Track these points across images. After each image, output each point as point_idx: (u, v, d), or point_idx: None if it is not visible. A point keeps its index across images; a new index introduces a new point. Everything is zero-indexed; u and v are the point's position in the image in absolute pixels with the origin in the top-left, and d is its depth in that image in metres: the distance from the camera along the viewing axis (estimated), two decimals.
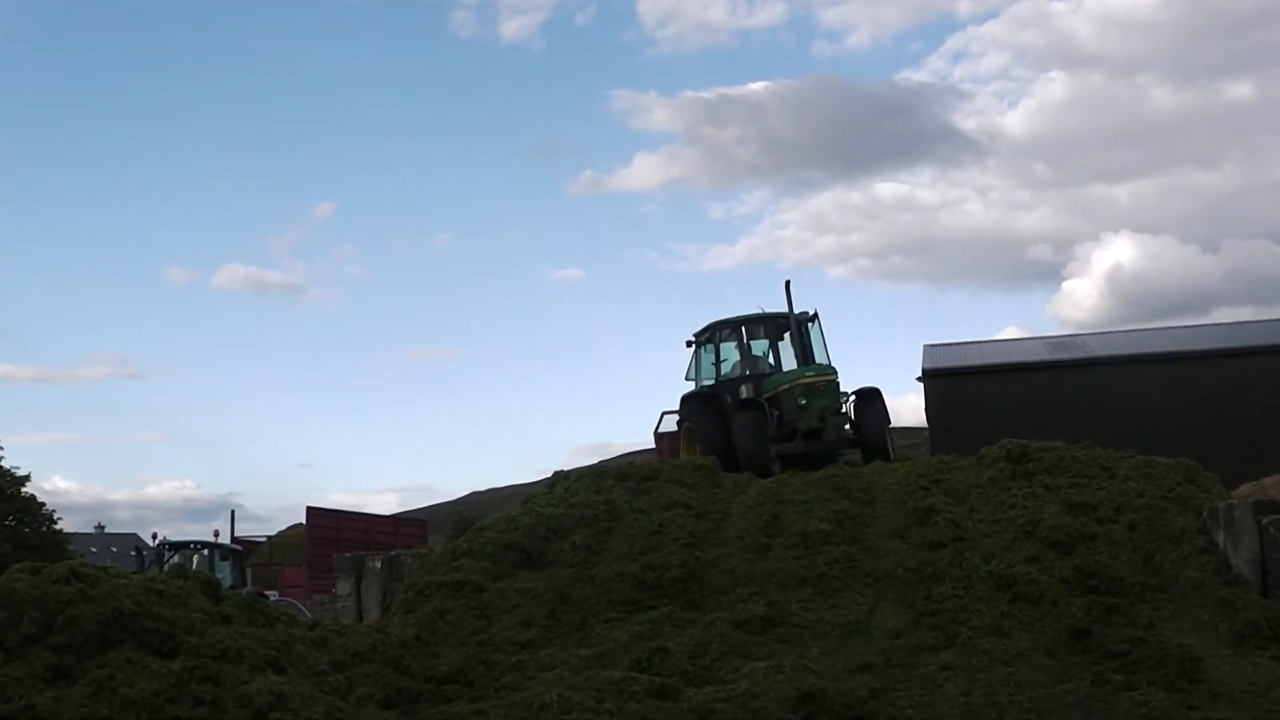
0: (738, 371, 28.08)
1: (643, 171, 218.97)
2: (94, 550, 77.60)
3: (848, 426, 26.48)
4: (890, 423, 27.51)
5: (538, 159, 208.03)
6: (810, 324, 27.45)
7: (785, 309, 27.17)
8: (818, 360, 27.03)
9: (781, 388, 26.44)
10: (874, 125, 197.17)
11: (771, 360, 28.30)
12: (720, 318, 28.34)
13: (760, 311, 28.08)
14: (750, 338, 28.31)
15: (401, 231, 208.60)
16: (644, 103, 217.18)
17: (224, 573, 31.93)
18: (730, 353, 28.32)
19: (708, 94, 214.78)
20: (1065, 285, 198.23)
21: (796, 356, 27.35)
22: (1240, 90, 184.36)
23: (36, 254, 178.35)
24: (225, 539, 41.29)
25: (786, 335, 27.74)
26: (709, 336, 28.22)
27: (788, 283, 26.78)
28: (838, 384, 26.58)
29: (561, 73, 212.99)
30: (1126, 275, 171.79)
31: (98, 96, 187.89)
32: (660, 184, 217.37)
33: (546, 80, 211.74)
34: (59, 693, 13.00)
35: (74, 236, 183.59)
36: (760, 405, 26.45)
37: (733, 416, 26.67)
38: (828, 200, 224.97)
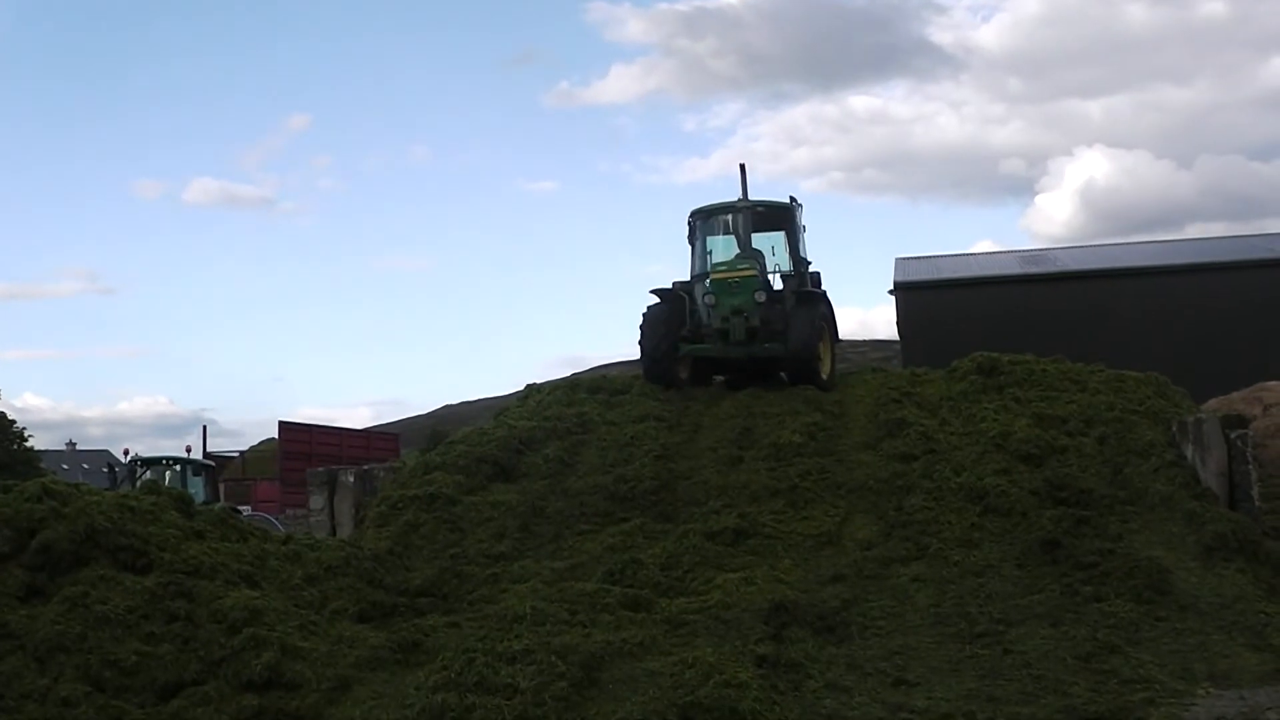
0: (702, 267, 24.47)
1: (618, 83, 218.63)
2: (65, 467, 77.64)
3: (755, 328, 22.85)
4: (829, 336, 23.79)
5: (513, 70, 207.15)
6: (788, 213, 24.14)
7: (778, 199, 24.36)
8: (801, 255, 24.02)
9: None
10: (852, 38, 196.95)
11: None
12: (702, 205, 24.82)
13: (739, 199, 23.79)
14: (723, 230, 24.51)
15: (376, 144, 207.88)
16: (619, 14, 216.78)
17: (196, 488, 31.93)
18: (715, 244, 24.68)
19: (684, 6, 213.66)
20: (1038, 199, 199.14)
21: (742, 247, 23.71)
22: (1214, 7, 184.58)
23: (4, 169, 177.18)
24: (197, 454, 41.30)
25: (777, 227, 24.38)
26: (690, 227, 24.67)
27: (742, 166, 23.89)
28: (755, 279, 22.94)
29: None
30: (1100, 190, 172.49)
31: (67, 7, 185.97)
32: (636, 96, 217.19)
33: None
34: (32, 610, 13.01)
35: (43, 151, 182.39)
36: (680, 298, 24.04)
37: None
38: (802, 113, 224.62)
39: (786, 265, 24.20)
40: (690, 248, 24.52)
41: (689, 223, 24.49)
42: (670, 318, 23.58)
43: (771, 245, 24.31)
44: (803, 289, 23.73)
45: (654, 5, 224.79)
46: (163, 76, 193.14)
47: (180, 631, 13.06)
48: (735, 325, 22.78)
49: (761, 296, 22.85)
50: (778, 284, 24.04)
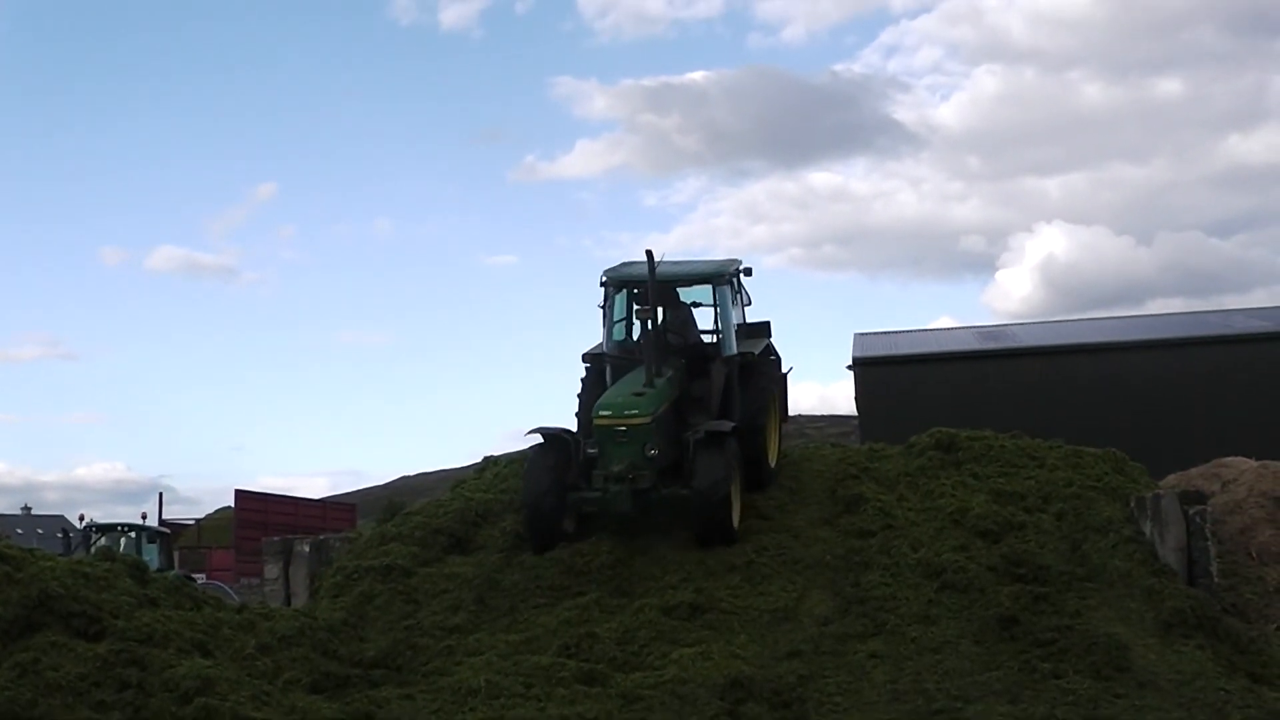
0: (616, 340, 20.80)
1: (583, 159, 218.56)
2: (20, 532, 76.99)
3: (643, 490, 18.60)
4: (739, 480, 19.21)
5: (480, 145, 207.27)
6: (712, 280, 20.67)
7: (702, 265, 21.16)
8: (730, 328, 20.34)
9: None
10: (815, 115, 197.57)
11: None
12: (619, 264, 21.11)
13: (650, 288, 19.30)
14: (635, 305, 20.59)
15: (340, 216, 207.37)
16: (585, 90, 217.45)
17: (151, 555, 31.67)
18: (631, 326, 21.06)
19: (649, 82, 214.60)
20: (999, 275, 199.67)
21: (647, 350, 19.31)
22: (1170, 87, 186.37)
23: None
24: (153, 521, 41.04)
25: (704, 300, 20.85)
26: (604, 291, 20.71)
27: (649, 252, 19.00)
28: (647, 428, 18.59)
29: (502, 60, 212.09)
30: (1060, 266, 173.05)
31: (32, 71, 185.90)
32: (601, 171, 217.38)
33: (487, 67, 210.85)
34: None
35: (6, 216, 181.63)
36: (564, 440, 19.49)
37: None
38: (761, 190, 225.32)
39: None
40: (602, 314, 20.76)
41: (601, 285, 20.71)
42: (555, 464, 19.20)
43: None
44: (711, 428, 19.05)
45: (619, 81, 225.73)
46: (128, 143, 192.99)
47: (131, 700, 12.94)
48: (617, 496, 18.55)
49: (653, 449, 18.64)
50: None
